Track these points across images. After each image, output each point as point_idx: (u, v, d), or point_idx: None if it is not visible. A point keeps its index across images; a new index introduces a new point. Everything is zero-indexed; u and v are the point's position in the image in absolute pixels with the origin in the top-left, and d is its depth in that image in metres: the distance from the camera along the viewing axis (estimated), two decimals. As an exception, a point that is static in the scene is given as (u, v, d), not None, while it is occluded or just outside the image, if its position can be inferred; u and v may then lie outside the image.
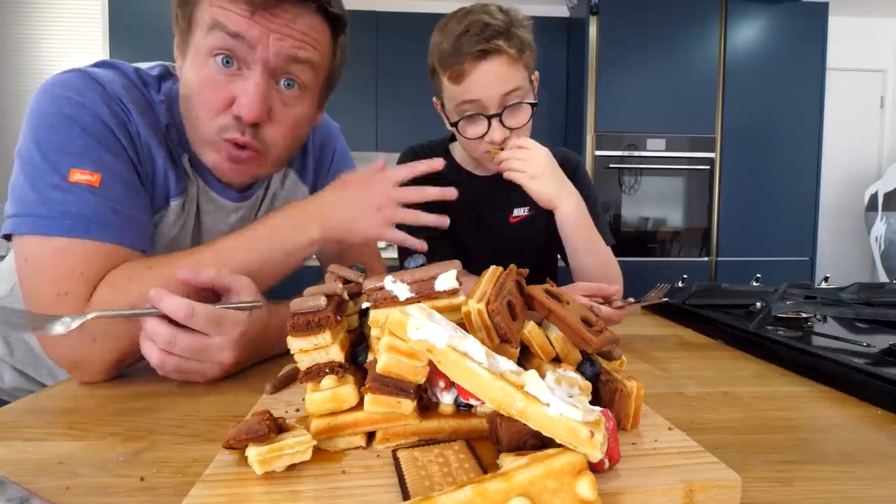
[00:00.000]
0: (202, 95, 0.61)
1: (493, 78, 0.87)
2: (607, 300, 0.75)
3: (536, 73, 0.98)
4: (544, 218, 1.10)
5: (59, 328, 0.47)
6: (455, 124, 0.94)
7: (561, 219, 0.94)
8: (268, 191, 0.81)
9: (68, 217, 0.55)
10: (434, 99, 1.01)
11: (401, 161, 1.11)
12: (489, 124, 0.90)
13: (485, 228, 1.10)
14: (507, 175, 0.91)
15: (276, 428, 0.32)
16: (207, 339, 0.50)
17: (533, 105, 0.93)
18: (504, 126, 0.90)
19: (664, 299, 0.83)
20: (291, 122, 0.67)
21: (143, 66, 0.70)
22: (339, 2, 0.66)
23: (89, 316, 0.48)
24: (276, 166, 0.72)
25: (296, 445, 0.31)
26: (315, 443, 0.32)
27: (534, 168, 0.90)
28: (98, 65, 0.66)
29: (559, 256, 1.14)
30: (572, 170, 1.07)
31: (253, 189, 0.78)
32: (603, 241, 0.99)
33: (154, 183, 0.66)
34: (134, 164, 0.62)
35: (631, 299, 0.77)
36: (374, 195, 0.67)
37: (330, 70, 0.70)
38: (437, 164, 0.71)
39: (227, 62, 0.60)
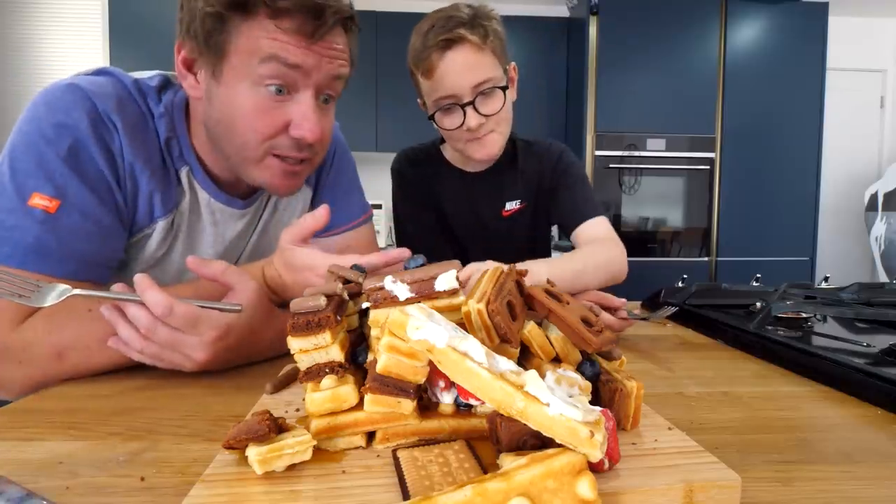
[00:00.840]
0: (255, 122, 0.62)
1: (460, 66, 0.90)
2: (611, 310, 0.75)
3: (513, 64, 0.99)
4: (535, 210, 1.12)
5: (49, 299, 0.48)
6: (432, 117, 0.96)
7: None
8: (270, 195, 0.82)
9: (8, 244, 0.55)
10: (418, 100, 1.02)
11: (395, 164, 1.12)
12: (464, 114, 0.92)
13: (479, 224, 1.11)
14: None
15: (276, 428, 0.32)
16: (183, 335, 0.51)
17: (503, 89, 0.94)
18: (479, 113, 0.92)
19: (670, 324, 0.84)
20: (329, 131, 0.70)
21: (142, 75, 0.70)
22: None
23: (74, 292, 0.49)
24: (314, 171, 0.77)
25: (296, 445, 0.31)
26: (315, 443, 0.32)
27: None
28: (97, 72, 0.66)
29: (552, 247, 1.15)
30: (557, 157, 1.09)
31: (256, 194, 0.79)
32: (586, 256, 0.93)
33: (136, 203, 0.66)
34: (111, 187, 0.62)
35: (637, 312, 0.77)
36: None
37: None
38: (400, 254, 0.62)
39: (280, 90, 0.62)
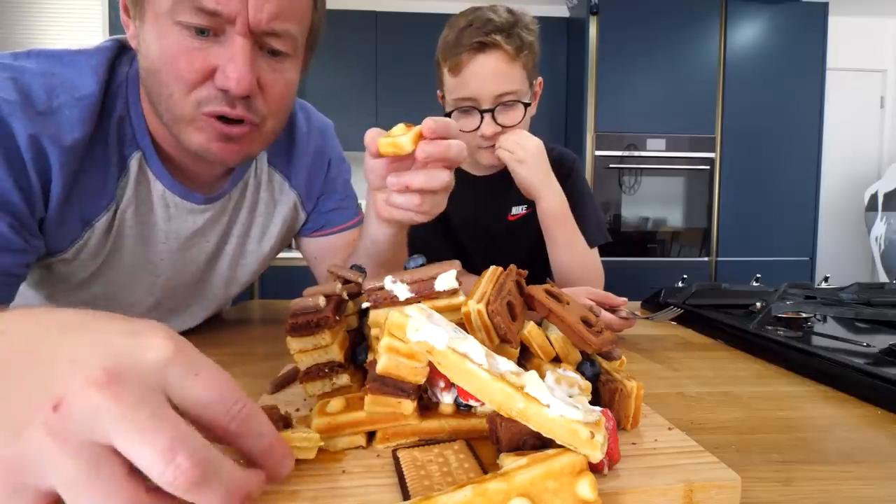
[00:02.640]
0: (176, 66, 0.53)
1: (488, 72, 0.90)
2: (612, 309, 0.75)
3: (540, 79, 1.00)
4: None
5: None
6: (449, 114, 0.96)
7: (541, 211, 0.97)
8: (246, 192, 0.75)
9: None
10: (438, 91, 1.03)
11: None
12: (482, 119, 0.92)
13: (483, 227, 1.11)
14: (497, 152, 0.95)
15: (283, 422, 0.32)
16: None
17: (526, 105, 0.95)
18: (496, 122, 0.93)
19: (672, 323, 0.84)
20: (283, 91, 0.60)
21: (89, 48, 0.60)
22: None
23: None
24: (268, 142, 0.64)
25: (303, 440, 0.30)
26: (322, 443, 0.32)
27: (523, 153, 0.93)
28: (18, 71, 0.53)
29: None
30: (568, 168, 1.09)
31: (223, 189, 0.71)
32: (584, 241, 0.99)
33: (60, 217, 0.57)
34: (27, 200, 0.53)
35: (637, 313, 0.78)
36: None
37: (311, 25, 0.62)
38: None
39: (203, 32, 0.53)
